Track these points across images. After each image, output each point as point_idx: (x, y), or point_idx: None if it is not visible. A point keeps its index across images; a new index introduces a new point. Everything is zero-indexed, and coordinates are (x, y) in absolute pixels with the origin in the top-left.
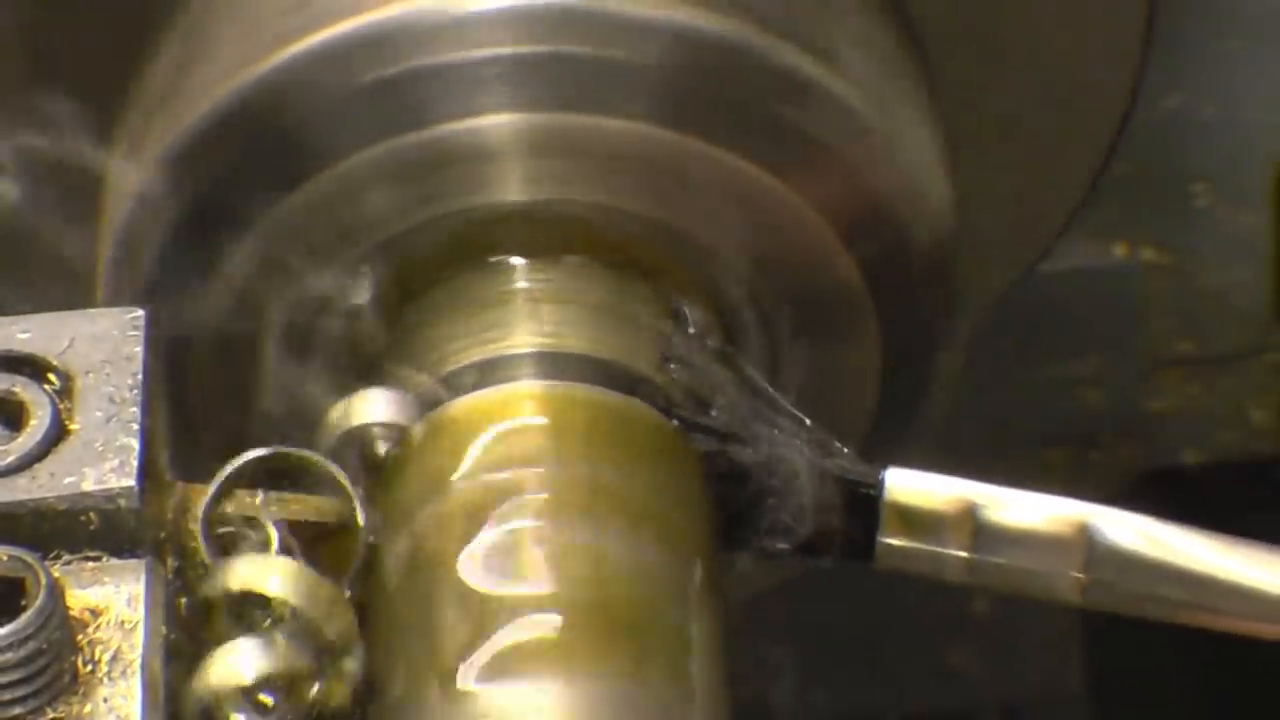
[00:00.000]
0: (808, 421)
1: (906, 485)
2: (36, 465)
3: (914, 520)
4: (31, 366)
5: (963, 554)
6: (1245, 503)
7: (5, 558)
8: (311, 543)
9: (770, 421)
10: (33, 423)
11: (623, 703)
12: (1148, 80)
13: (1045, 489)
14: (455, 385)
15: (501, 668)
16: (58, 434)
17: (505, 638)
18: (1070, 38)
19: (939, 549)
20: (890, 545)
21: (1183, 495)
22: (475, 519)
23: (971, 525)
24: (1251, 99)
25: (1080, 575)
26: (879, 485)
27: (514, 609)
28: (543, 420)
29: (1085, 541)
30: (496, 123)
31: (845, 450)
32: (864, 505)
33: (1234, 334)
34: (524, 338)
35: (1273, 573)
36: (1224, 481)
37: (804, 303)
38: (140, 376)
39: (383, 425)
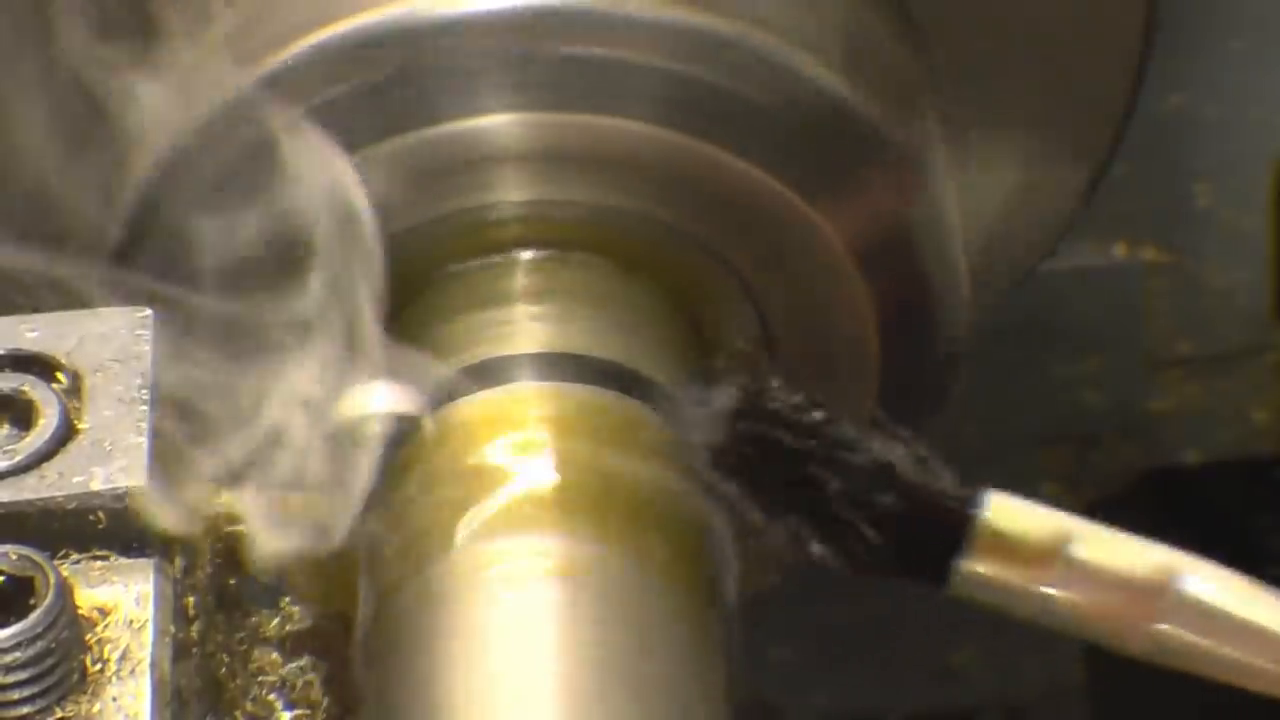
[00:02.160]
0: (906, 434)
1: (1005, 510)
2: (45, 464)
3: (1003, 548)
4: (40, 365)
5: (1042, 589)
6: (1245, 503)
7: (14, 557)
8: None
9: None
10: (41, 422)
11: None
12: (1148, 80)
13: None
14: (457, 387)
15: None
16: (66, 433)
17: None
18: (1071, 38)
19: (1019, 582)
20: (969, 572)
21: (1183, 495)
22: (477, 521)
23: (1060, 561)
24: (1252, 99)
25: (1161, 626)
26: (978, 506)
27: None
28: (545, 422)
29: (1169, 590)
30: (498, 122)
31: (945, 468)
32: (954, 526)
33: (1234, 334)
34: (526, 339)
35: None
36: (1224, 481)
37: (807, 323)
38: (149, 375)
39: (384, 417)
